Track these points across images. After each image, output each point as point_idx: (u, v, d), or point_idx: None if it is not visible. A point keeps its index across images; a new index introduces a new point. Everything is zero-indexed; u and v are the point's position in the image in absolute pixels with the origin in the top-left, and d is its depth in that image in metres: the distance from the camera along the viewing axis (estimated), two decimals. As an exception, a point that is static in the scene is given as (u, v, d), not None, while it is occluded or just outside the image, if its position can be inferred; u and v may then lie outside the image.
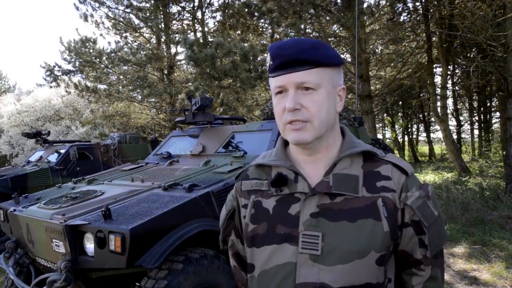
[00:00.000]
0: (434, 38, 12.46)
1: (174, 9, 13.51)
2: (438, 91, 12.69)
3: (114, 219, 2.48)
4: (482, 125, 18.48)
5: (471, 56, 12.63)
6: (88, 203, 2.88)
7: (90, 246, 2.51)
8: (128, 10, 12.81)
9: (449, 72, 13.82)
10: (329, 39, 11.39)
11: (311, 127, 0.91)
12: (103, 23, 12.68)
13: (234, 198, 1.11)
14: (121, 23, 13.43)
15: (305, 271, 0.91)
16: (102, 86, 13.52)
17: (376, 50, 13.58)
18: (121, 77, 13.72)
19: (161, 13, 12.67)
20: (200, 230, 2.63)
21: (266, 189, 1.01)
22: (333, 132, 0.98)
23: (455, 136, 16.41)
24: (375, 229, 0.90)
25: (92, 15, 12.35)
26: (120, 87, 13.71)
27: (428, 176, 11.70)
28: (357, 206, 0.92)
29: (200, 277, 2.52)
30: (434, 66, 13.40)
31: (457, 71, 15.95)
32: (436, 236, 0.96)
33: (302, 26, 9.91)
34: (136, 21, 13.30)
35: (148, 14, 12.62)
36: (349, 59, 11.54)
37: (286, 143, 1.06)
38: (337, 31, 12.51)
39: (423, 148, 26.56)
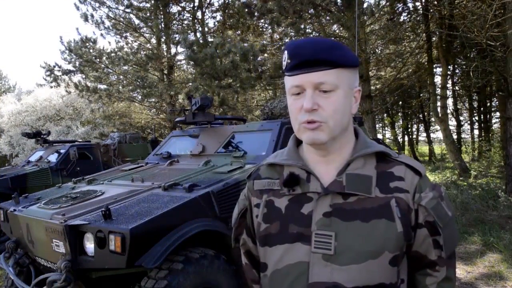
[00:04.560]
0: (434, 38, 12.46)
1: (174, 9, 13.53)
2: (438, 91, 12.68)
3: (114, 219, 2.47)
4: (482, 125, 18.45)
5: (471, 56, 12.62)
6: (88, 203, 2.88)
7: (90, 246, 2.51)
8: (128, 10, 12.81)
9: (449, 72, 13.81)
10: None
11: (326, 128, 0.90)
12: (103, 23, 12.67)
13: (246, 197, 1.11)
14: (121, 23, 13.42)
15: (317, 270, 0.90)
16: (102, 86, 13.51)
17: (376, 50, 13.57)
18: (121, 77, 13.71)
19: (161, 13, 12.67)
20: (200, 230, 2.63)
21: (278, 189, 1.00)
22: (347, 133, 0.97)
23: (455, 136, 16.39)
24: (389, 230, 0.90)
25: (92, 15, 12.35)
26: (120, 87, 13.71)
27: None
28: (370, 206, 0.91)
29: (200, 277, 2.51)
30: (434, 66, 13.40)
31: (457, 71, 15.95)
32: (451, 236, 0.96)
33: (302, 26, 9.90)
34: (136, 21, 13.30)
35: (148, 14, 12.62)
36: (349, 59, 11.49)
37: (298, 143, 1.05)
38: (337, 31, 12.50)
39: (423, 148, 26.53)
